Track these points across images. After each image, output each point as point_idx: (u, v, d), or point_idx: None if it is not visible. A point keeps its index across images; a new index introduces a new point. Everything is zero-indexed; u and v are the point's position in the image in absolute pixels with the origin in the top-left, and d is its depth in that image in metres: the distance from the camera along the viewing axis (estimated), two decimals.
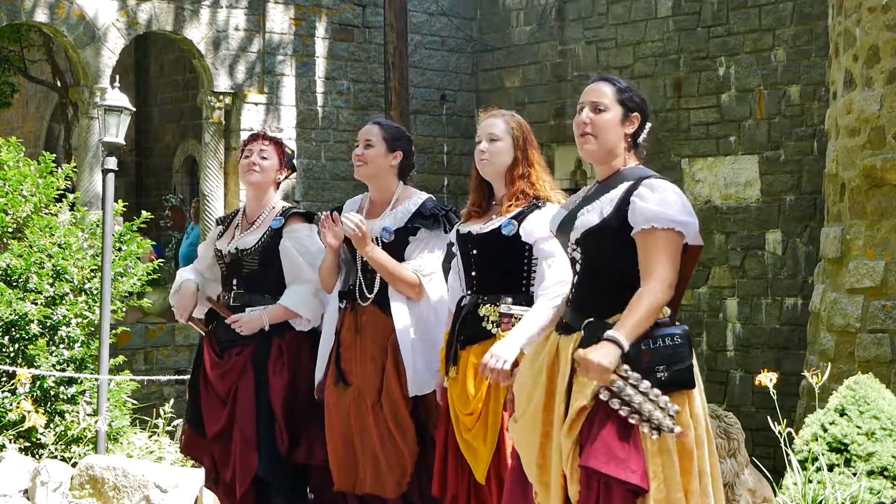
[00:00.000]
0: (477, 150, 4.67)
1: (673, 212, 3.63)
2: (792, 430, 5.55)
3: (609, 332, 3.49)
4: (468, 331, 4.60)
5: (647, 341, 3.56)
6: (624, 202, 3.68)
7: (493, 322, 4.56)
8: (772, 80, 12.90)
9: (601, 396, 3.49)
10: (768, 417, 5.80)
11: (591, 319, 3.67)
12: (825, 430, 5.78)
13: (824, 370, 6.03)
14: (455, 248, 4.80)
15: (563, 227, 3.85)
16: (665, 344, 3.57)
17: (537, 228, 4.43)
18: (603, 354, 3.44)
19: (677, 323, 3.66)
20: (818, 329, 10.14)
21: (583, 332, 3.67)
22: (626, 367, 3.47)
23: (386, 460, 4.88)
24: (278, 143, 5.47)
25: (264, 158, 5.38)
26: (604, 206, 3.72)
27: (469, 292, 4.66)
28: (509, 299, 4.55)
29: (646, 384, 3.47)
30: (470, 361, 4.57)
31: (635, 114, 3.79)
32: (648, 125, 3.84)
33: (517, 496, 3.94)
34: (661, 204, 3.64)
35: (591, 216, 3.73)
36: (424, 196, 5.14)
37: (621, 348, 3.46)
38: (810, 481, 5.50)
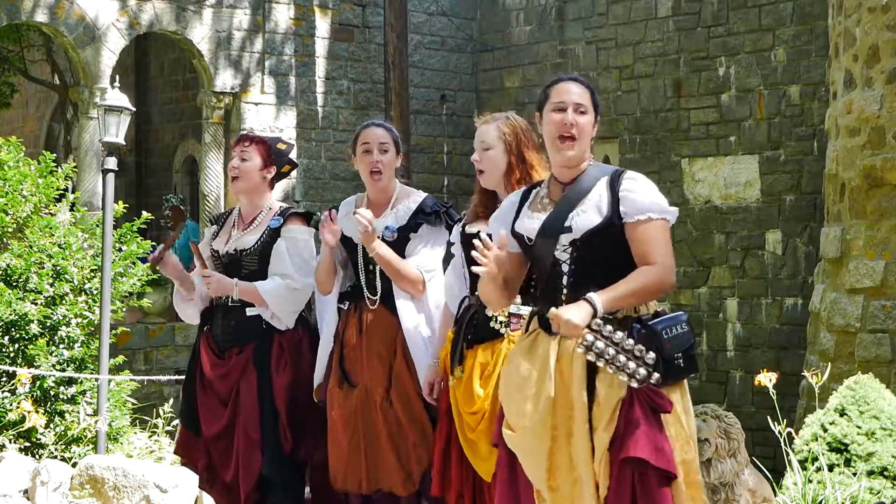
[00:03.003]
0: (473, 160, 4.66)
1: (662, 202, 3.68)
2: (792, 430, 5.54)
3: (590, 293, 3.55)
4: (475, 331, 4.58)
5: (668, 329, 3.58)
6: (615, 197, 3.68)
7: (501, 322, 4.54)
8: (772, 80, 12.89)
9: (577, 350, 3.53)
10: (768, 417, 5.79)
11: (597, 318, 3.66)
12: (825, 430, 5.78)
13: (824, 370, 6.03)
14: (457, 248, 4.78)
15: (548, 232, 3.76)
16: (679, 331, 3.60)
17: None
18: (575, 312, 3.50)
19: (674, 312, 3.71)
20: (818, 329, 10.14)
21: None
22: (598, 321, 3.50)
23: (396, 458, 4.88)
24: (261, 142, 5.38)
25: (244, 160, 5.31)
26: (598, 204, 3.70)
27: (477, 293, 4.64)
28: (518, 299, 4.53)
29: (619, 335, 3.50)
30: (477, 361, 4.55)
31: (598, 115, 3.82)
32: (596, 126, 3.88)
33: None
34: (651, 195, 3.69)
35: (589, 216, 3.69)
36: (423, 194, 5.15)
37: (594, 307, 3.51)
38: (810, 481, 5.50)
